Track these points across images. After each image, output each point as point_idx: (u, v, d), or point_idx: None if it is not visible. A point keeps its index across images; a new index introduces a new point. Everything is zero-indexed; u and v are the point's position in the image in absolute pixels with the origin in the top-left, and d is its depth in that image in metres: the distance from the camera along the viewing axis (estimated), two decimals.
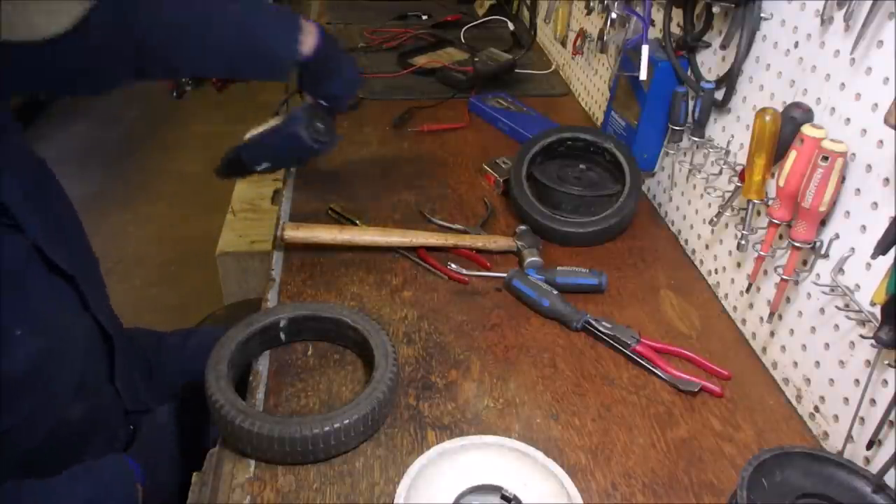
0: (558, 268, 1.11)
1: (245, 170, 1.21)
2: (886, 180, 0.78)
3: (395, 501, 0.72)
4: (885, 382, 0.78)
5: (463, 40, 1.95)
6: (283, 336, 0.96)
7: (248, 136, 1.22)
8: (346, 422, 0.79)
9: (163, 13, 0.97)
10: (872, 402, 0.80)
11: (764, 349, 1.01)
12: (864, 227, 0.82)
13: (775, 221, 0.91)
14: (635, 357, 0.98)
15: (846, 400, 0.85)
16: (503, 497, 0.77)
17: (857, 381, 0.83)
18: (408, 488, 0.73)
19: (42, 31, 0.73)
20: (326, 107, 1.17)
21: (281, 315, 0.94)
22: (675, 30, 1.21)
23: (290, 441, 0.78)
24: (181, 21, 0.98)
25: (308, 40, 1.06)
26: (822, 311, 0.89)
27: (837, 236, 0.86)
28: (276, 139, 1.18)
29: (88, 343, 0.98)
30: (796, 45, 0.94)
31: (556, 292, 1.05)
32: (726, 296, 1.11)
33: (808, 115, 0.90)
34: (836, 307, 0.86)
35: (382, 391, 0.83)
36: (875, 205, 0.80)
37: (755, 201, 0.95)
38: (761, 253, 0.95)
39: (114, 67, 0.97)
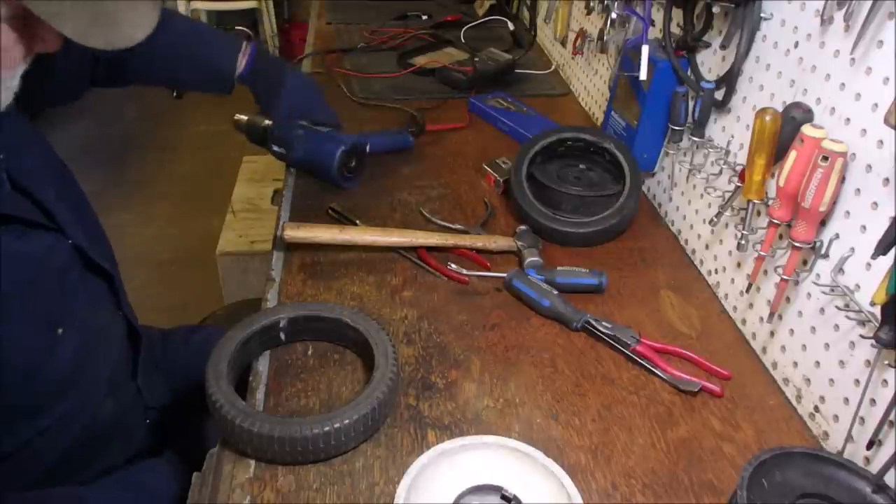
0: (558, 268, 1.11)
1: (262, 142, 1.34)
2: (886, 180, 0.78)
3: (395, 501, 0.72)
4: (885, 382, 0.78)
5: (463, 40, 1.94)
6: (283, 336, 0.96)
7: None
8: (346, 422, 0.79)
9: None
10: (872, 402, 0.80)
11: (764, 349, 1.01)
12: (864, 227, 0.82)
13: (775, 221, 0.91)
14: (635, 357, 0.98)
15: (846, 400, 0.85)
16: (503, 497, 0.77)
17: (857, 381, 0.83)
18: (408, 488, 0.73)
19: (130, 40, 0.74)
20: (361, 148, 1.31)
21: (281, 315, 0.94)
22: (675, 30, 1.21)
23: (290, 441, 0.78)
24: None
25: (244, 58, 1.24)
26: (822, 311, 0.89)
27: (837, 236, 0.86)
28: (309, 144, 1.28)
29: (120, 341, 1.01)
30: (796, 45, 0.94)
31: (556, 292, 1.05)
32: (726, 296, 1.11)
33: (808, 115, 0.90)
34: (836, 307, 0.86)
35: (382, 391, 0.83)
36: (875, 205, 0.80)
37: (755, 201, 0.95)
38: (761, 253, 0.95)
39: (76, 80, 1.10)
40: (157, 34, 0.77)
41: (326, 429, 0.78)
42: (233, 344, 0.88)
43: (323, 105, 1.34)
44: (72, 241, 0.90)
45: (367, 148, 1.33)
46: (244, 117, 1.36)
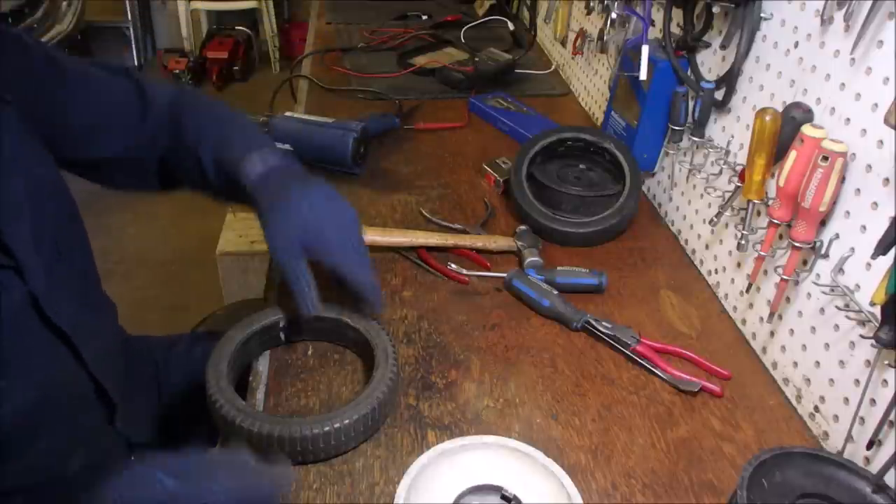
0: (558, 268, 1.10)
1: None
2: (886, 180, 0.78)
3: (395, 502, 0.72)
4: (885, 382, 0.78)
5: (463, 40, 1.94)
6: (282, 336, 0.96)
7: (289, 114, 1.34)
8: (347, 422, 0.79)
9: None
10: (872, 402, 0.80)
11: (764, 349, 1.01)
12: (864, 227, 0.82)
13: (775, 221, 0.91)
14: (635, 357, 0.98)
15: (846, 400, 0.85)
16: (503, 497, 0.77)
17: (857, 381, 0.83)
18: (408, 488, 0.73)
19: None
20: (366, 133, 1.30)
21: (281, 315, 0.94)
22: (675, 30, 1.21)
23: (290, 441, 0.78)
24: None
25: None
26: (822, 311, 0.89)
27: (837, 236, 0.86)
28: (318, 136, 1.28)
29: (85, 396, 0.91)
30: (796, 45, 0.94)
31: (555, 292, 1.05)
32: (726, 296, 1.11)
33: (808, 115, 0.90)
34: (836, 307, 0.86)
35: (382, 391, 0.83)
36: (875, 205, 0.80)
37: (755, 201, 0.95)
38: (761, 253, 0.95)
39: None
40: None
41: (327, 429, 0.78)
42: (233, 344, 0.88)
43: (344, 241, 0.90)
44: (29, 287, 0.78)
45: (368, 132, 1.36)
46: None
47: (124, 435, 0.98)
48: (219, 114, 1.04)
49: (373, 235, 1.15)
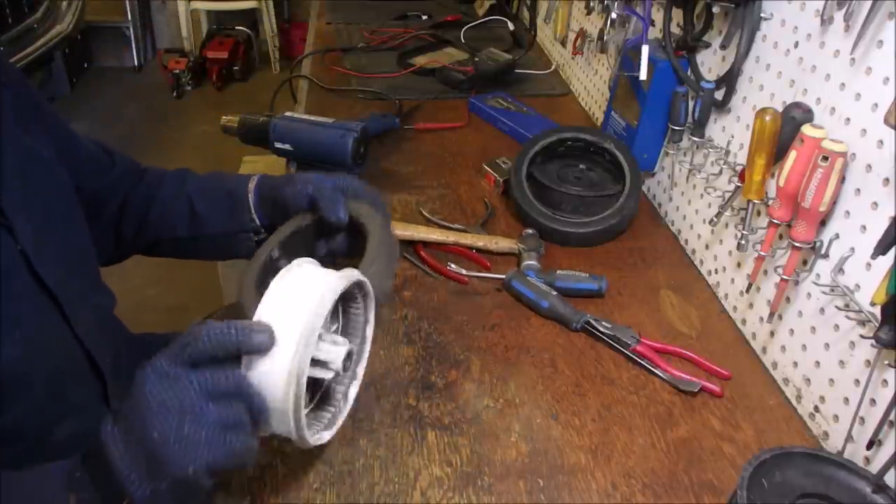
0: (558, 271, 1.10)
1: (262, 141, 1.32)
2: (886, 180, 0.78)
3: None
4: (885, 382, 0.78)
5: (463, 40, 1.94)
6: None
7: (289, 114, 1.33)
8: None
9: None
10: (872, 402, 0.80)
11: (764, 349, 1.01)
12: (864, 227, 0.82)
13: (775, 221, 0.91)
14: (635, 357, 0.98)
15: (846, 400, 0.85)
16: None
17: (857, 381, 0.83)
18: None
19: None
20: (366, 133, 1.30)
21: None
22: (675, 30, 1.21)
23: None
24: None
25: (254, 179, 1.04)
26: (822, 311, 0.89)
27: (837, 236, 0.86)
28: (318, 136, 1.28)
29: (74, 364, 0.92)
30: (796, 45, 0.94)
31: (554, 293, 1.05)
32: (726, 296, 1.11)
33: (808, 115, 0.90)
34: (836, 307, 0.86)
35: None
36: (875, 205, 0.80)
37: (755, 201, 0.95)
38: (761, 253, 0.94)
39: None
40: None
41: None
42: (260, 260, 0.86)
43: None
44: (20, 245, 0.81)
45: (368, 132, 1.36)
46: (234, 118, 1.37)
47: None
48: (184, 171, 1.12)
49: None
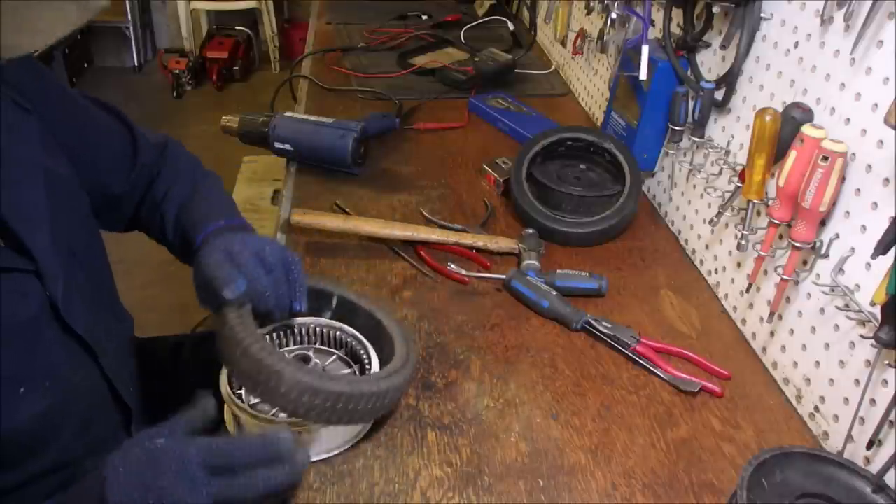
0: (558, 271, 1.10)
1: (262, 141, 1.34)
2: (886, 180, 0.78)
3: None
4: (885, 382, 0.78)
5: (463, 40, 1.95)
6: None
7: (289, 114, 1.35)
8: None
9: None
10: (872, 402, 0.80)
11: (764, 349, 1.01)
12: (864, 227, 0.82)
13: (775, 221, 0.91)
14: (635, 357, 0.98)
15: (846, 400, 0.85)
16: None
17: (857, 381, 0.83)
18: None
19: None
20: (365, 133, 1.32)
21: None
22: (675, 30, 1.21)
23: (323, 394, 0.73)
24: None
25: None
26: (822, 311, 0.89)
27: (837, 236, 0.86)
28: (318, 136, 1.30)
29: (101, 400, 0.90)
30: (796, 45, 0.94)
31: (554, 293, 1.05)
32: (726, 296, 1.11)
33: (808, 115, 0.90)
34: (836, 307, 0.86)
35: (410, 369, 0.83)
36: (875, 205, 0.80)
37: (755, 201, 0.95)
38: (761, 253, 0.95)
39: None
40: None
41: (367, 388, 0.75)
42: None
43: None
44: (48, 292, 0.78)
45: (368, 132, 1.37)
46: (234, 118, 1.38)
47: None
48: (193, 174, 1.08)
49: (376, 226, 1.16)
